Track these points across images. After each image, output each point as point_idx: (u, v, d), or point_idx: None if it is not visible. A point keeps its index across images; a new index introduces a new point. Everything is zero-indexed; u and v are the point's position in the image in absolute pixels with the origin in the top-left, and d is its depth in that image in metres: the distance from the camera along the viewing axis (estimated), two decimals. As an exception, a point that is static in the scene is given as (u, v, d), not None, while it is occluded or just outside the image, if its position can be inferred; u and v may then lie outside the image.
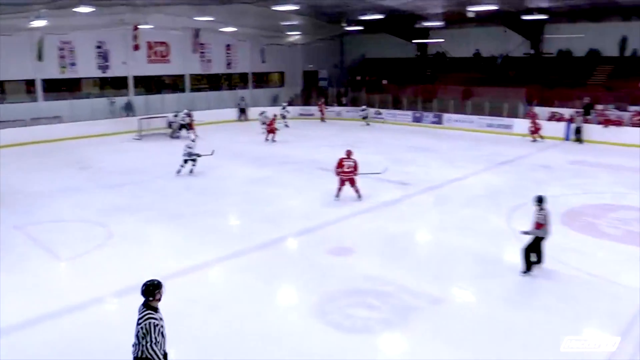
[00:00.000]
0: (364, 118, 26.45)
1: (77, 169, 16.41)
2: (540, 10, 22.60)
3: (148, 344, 4.74)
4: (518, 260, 9.12)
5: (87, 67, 24.28)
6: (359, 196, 12.28)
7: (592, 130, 20.56)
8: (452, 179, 14.37)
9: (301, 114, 28.70)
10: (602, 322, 6.84)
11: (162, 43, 26.68)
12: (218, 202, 12.48)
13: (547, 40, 27.09)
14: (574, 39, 25.70)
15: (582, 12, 23.44)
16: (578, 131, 20.61)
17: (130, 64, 25.47)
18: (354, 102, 29.00)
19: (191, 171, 15.17)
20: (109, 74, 25.17)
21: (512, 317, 6.90)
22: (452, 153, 18.31)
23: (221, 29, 26.42)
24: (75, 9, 19.80)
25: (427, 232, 10.54)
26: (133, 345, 4.86)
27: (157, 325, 4.78)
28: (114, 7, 21.79)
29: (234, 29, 26.62)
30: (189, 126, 22.95)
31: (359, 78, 32.32)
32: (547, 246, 9.23)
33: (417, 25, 28.40)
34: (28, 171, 16.07)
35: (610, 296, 7.50)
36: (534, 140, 20.59)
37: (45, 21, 20.71)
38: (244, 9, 25.27)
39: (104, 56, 24.68)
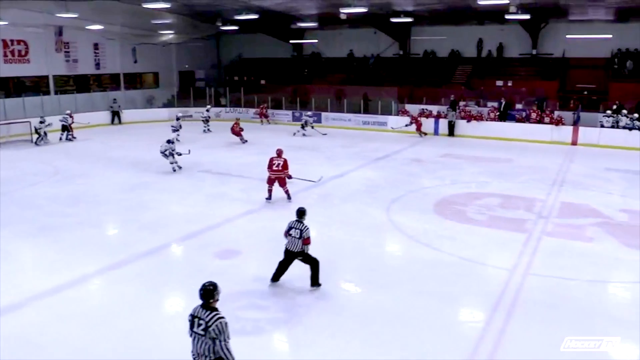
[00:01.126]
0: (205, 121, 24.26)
1: None
2: (406, 14, 23.99)
3: (222, 343, 4.60)
4: (399, 250, 9.69)
5: None
6: (289, 197, 12.21)
7: (456, 125, 22.26)
8: (333, 176, 14.80)
9: (179, 117, 27.81)
10: (474, 301, 7.46)
11: (20, 41, 24.37)
12: (93, 211, 11.70)
13: (414, 42, 28.85)
14: (438, 40, 27.67)
15: (444, 16, 25.29)
16: (451, 126, 22.17)
17: (-18, 64, 23.01)
18: (234, 103, 28.74)
19: (174, 169, 15.35)
20: (-42, 75, 22.54)
21: (396, 303, 7.26)
22: (331, 151, 18.84)
23: (87, 27, 24.79)
24: None
25: (312, 228, 10.66)
26: (198, 356, 4.64)
27: (227, 324, 4.65)
28: (-41, 0, 19.65)
29: (102, 27, 25.11)
30: (69, 128, 21.43)
31: (236, 78, 32.09)
32: (422, 233, 9.94)
33: (293, 26, 28.88)
34: None
35: (480, 276, 8.20)
36: (424, 135, 22.01)
37: None
38: (111, 5, 24.04)
39: (-51, 55, 22.05)
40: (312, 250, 7.68)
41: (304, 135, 22.66)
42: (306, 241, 7.52)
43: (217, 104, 29.05)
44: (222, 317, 4.66)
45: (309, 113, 24.56)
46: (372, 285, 7.92)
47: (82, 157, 17.85)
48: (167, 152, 15.32)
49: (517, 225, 10.48)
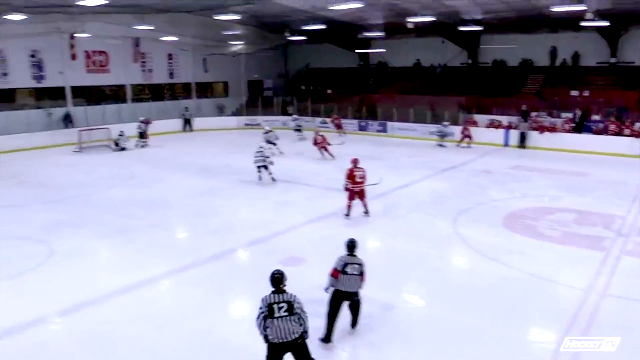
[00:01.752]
0: (297, 130, 24.45)
1: (14, 183, 15.63)
2: (475, 22, 23.51)
3: (304, 315, 5.32)
4: (465, 263, 9.43)
5: (20, 77, 23.15)
6: (367, 212, 11.36)
7: (528, 137, 21.47)
8: (399, 186, 14.64)
9: (247, 124, 28.53)
10: (545, 320, 7.11)
11: (101, 52, 25.85)
12: (164, 215, 12.17)
13: (482, 51, 28.20)
14: (508, 49, 26.90)
15: (514, 24, 24.58)
16: (523, 137, 21.43)
17: (67, 74, 24.50)
18: (301, 112, 29.11)
19: (273, 179, 15.06)
20: (45, 84, 24.08)
21: (461, 318, 7.06)
22: (397, 161, 18.67)
23: (162, 38, 25.95)
24: (5, 16, 18.96)
25: (377, 239, 10.67)
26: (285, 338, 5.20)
27: None
28: (49, 14, 21.04)
29: (175, 39, 26.21)
30: (144, 135, 22.52)
31: (303, 87, 32.50)
32: (490, 247, 9.63)
33: (359, 36, 28.96)
34: (-42, 187, 15.16)
35: (551, 295, 7.83)
36: (467, 146, 21.29)
37: (-27, 29, 19.76)
38: (185, 18, 24.99)
39: (38, 66, 23.63)
40: (377, 261, 7.61)
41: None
42: (363, 277, 6.45)
43: (284, 113, 29.52)
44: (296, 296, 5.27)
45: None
46: (437, 298, 7.75)
47: (156, 163, 18.62)
48: (264, 164, 14.97)
49: (594, 243, 9.94)
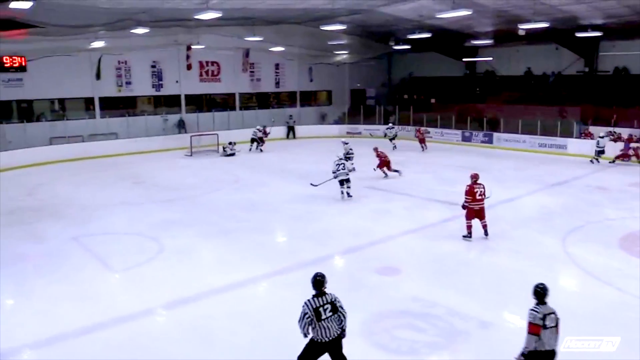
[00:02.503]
0: (391, 139, 23.92)
1: (132, 183, 16.94)
2: (594, 28, 21.98)
3: (344, 311, 5.60)
4: (574, 285, 8.81)
5: (142, 86, 25.23)
6: (486, 233, 10.59)
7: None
8: (503, 200, 13.99)
9: (348, 132, 28.76)
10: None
11: (214, 63, 27.40)
12: (265, 218, 12.57)
13: (602, 58, 26.27)
14: (631, 56, 24.84)
15: (638, 29, 22.65)
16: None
17: (182, 83, 26.30)
18: (403, 121, 28.84)
19: (348, 194, 14.15)
20: (163, 92, 26.03)
21: (567, 344, 6.56)
22: (502, 173, 17.89)
23: (270, 49, 26.94)
24: (131, 30, 20.68)
25: (477, 253, 10.26)
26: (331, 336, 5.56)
27: None
28: (169, 28, 22.65)
29: (283, 49, 27.09)
30: (261, 140, 23.69)
31: (406, 97, 32.19)
32: (604, 269, 8.90)
33: (466, 44, 28.16)
34: (85, 185, 16.74)
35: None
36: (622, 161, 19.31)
37: (104, 42, 21.75)
38: (292, 29, 25.76)
39: (158, 75, 25.56)
40: (477, 276, 7.30)
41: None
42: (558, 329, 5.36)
43: (386, 122, 29.42)
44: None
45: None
46: (541, 320, 7.27)
47: (259, 168, 19.32)
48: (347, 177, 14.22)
49: None
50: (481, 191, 10.44)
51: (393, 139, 24.14)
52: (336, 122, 31.02)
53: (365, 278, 8.79)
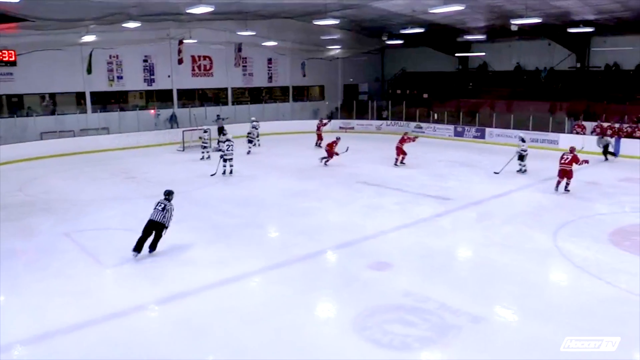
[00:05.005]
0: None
1: (123, 178, 16.88)
2: (586, 23, 22.07)
3: (171, 219, 9.50)
4: (565, 279, 8.90)
5: (133, 81, 25.08)
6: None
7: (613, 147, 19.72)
8: (495, 195, 14.09)
9: (341, 127, 28.74)
10: (654, 347, 6.53)
11: (206, 57, 27.28)
12: (258, 213, 12.57)
13: (593, 54, 26.41)
14: (623, 52, 24.99)
15: (631, 25, 22.75)
16: (606, 148, 19.64)
17: (174, 78, 26.17)
18: (395, 116, 28.87)
19: (224, 172, 16.80)
20: (155, 87, 25.89)
21: (558, 338, 6.61)
22: (494, 168, 17.94)
23: (263, 44, 26.84)
24: (123, 24, 20.55)
25: (468, 248, 10.33)
26: (158, 214, 9.51)
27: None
28: (161, 22, 22.52)
29: (275, 44, 27.01)
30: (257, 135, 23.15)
31: (399, 92, 32.23)
32: (594, 264, 8.98)
33: (459, 39, 28.19)
34: (77, 180, 16.65)
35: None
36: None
37: (95, 36, 21.60)
38: (285, 23, 25.73)
39: (149, 70, 25.42)
40: (469, 271, 7.34)
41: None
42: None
43: (379, 117, 29.49)
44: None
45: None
46: (531, 314, 7.34)
47: (252, 163, 19.27)
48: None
49: None
50: (567, 158, 14.07)
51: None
52: (329, 118, 30.95)
53: (357, 273, 8.82)
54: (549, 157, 19.98)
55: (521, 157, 16.97)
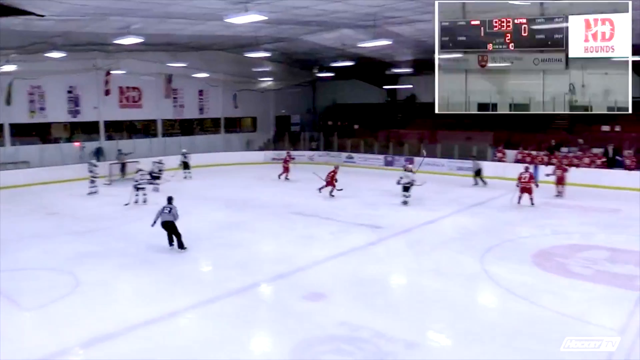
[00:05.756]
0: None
1: (45, 214, 16.02)
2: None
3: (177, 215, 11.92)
4: (493, 302, 9.21)
5: (57, 112, 24.07)
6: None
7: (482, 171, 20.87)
8: (425, 222, 14.49)
9: (274, 159, 28.75)
10: (577, 363, 6.84)
11: (135, 88, 26.68)
12: (190, 247, 12.22)
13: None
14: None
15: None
16: (478, 171, 20.81)
17: (101, 109, 25.35)
18: (327, 147, 29.29)
19: (137, 201, 17.18)
20: (80, 118, 24.95)
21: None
22: (424, 196, 18.48)
23: (194, 75, 26.67)
24: (46, 54, 19.81)
25: (401, 275, 10.52)
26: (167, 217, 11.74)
27: None
28: (87, 52, 21.92)
29: (207, 75, 26.91)
30: (188, 165, 23.29)
31: (330, 123, 32.82)
32: (519, 285, 9.38)
33: (387, 72, 29.20)
34: (-8, 218, 15.60)
35: (583, 336, 7.51)
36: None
37: (16, 66, 20.65)
38: (217, 55, 25.76)
39: (74, 101, 24.52)
40: (402, 297, 7.46)
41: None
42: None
43: (311, 148, 29.85)
44: None
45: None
46: (463, 337, 7.52)
47: (181, 195, 18.75)
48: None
49: (627, 282, 9.58)
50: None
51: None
52: (261, 149, 31.02)
53: (292, 305, 8.73)
54: (475, 184, 20.95)
55: (406, 189, 16.69)
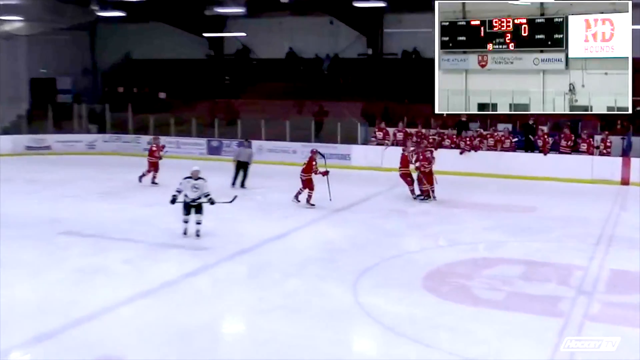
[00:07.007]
0: None
1: None
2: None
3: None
4: (373, 349, 9.59)
5: None
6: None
7: (445, 159, 21.86)
8: (272, 237, 14.65)
9: (29, 147, 27.28)
10: None
11: None
12: None
13: (388, 37, 29.41)
14: (423, 34, 27.41)
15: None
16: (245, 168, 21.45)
17: None
18: (118, 127, 28.49)
19: None
20: None
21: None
22: (267, 198, 18.74)
23: None
24: None
25: (240, 319, 10.52)
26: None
27: None
28: None
29: None
30: None
31: (121, 90, 31.98)
32: (408, 321, 9.87)
33: (208, 12, 29.01)
34: None
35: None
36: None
37: None
38: None
39: None
40: (239, 350, 7.44)
41: None
42: None
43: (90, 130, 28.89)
44: None
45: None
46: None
47: None
48: None
49: (548, 306, 10.50)
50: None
51: None
52: (6, 132, 29.11)
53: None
54: (341, 178, 21.49)
55: (197, 209, 14.97)
